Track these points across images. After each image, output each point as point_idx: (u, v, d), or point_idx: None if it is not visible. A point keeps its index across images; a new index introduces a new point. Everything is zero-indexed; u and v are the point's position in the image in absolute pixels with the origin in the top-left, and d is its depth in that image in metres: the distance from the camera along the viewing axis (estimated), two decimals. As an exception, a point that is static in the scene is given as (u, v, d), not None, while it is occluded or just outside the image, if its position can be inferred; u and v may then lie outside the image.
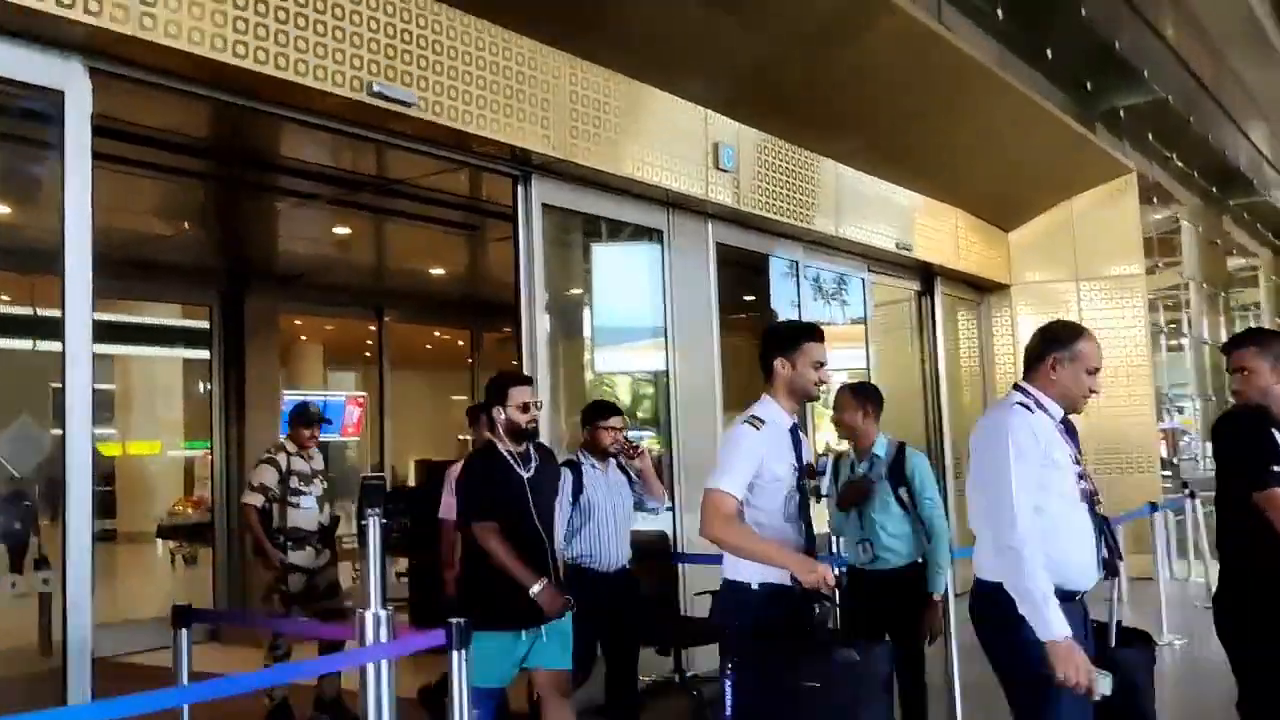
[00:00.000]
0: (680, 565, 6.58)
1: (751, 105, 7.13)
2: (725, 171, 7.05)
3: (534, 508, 4.24)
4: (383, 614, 3.15)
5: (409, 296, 11.45)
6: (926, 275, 10.15)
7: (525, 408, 4.27)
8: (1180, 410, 23.61)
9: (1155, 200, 17.96)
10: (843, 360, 10.03)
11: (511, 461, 4.26)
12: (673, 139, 6.63)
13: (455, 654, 3.18)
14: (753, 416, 3.42)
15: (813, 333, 3.59)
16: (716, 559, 6.29)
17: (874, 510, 4.75)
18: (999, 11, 11.14)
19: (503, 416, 4.25)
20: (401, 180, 7.09)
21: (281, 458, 6.25)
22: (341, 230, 8.68)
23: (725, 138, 7.07)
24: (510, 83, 5.46)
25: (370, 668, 3.12)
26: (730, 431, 3.53)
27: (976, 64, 7.81)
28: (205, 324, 9.75)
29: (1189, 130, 18.38)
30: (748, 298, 10.29)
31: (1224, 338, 24.88)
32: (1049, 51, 12.84)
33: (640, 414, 8.63)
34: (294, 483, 6.19)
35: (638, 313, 7.30)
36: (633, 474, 5.24)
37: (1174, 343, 22.96)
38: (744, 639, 3.36)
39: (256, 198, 7.81)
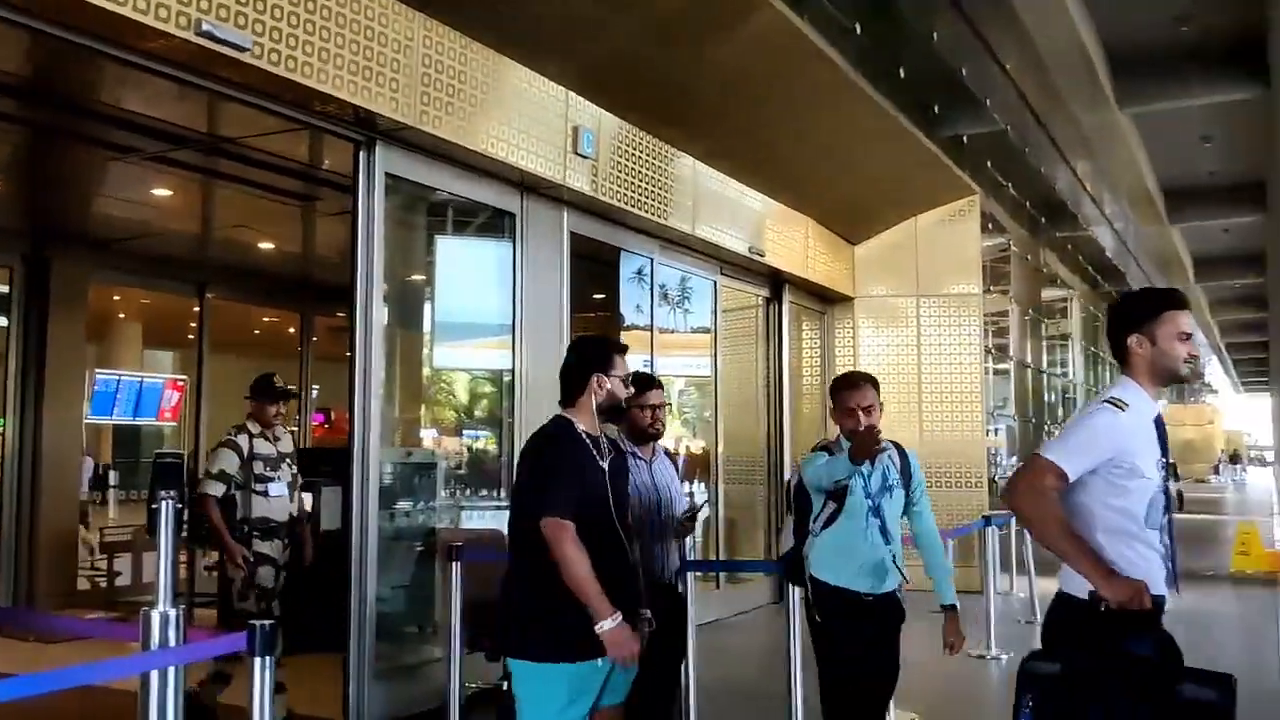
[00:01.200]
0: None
1: (614, 92, 6.87)
2: (584, 157, 6.77)
3: (614, 507, 3.38)
4: (171, 613, 2.67)
5: (236, 273, 10.71)
6: (776, 282, 10.12)
7: (627, 381, 3.53)
8: (997, 431, 24.72)
9: (989, 227, 18.67)
10: (689, 364, 9.93)
11: (590, 446, 3.40)
12: (531, 117, 6.30)
13: (258, 661, 2.74)
14: (1114, 397, 2.87)
15: (1172, 299, 2.98)
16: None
17: (892, 523, 4.07)
18: (856, 28, 11.25)
19: (605, 386, 3.41)
20: (233, 139, 6.53)
21: (243, 440, 5.55)
22: (163, 192, 7.98)
23: (586, 121, 6.79)
24: (358, 38, 5.04)
25: (154, 675, 2.62)
26: (1085, 410, 3.01)
27: (839, 70, 7.77)
28: (4, 288, 8.88)
29: (1023, 162, 19.19)
30: (597, 295, 10.06)
31: (1044, 363, 26.20)
32: (900, 72, 13.10)
33: (478, 413, 8.27)
34: (258, 468, 5.49)
35: (485, 304, 6.94)
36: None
37: (1000, 366, 23.97)
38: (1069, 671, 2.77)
39: (69, 148, 7.09)
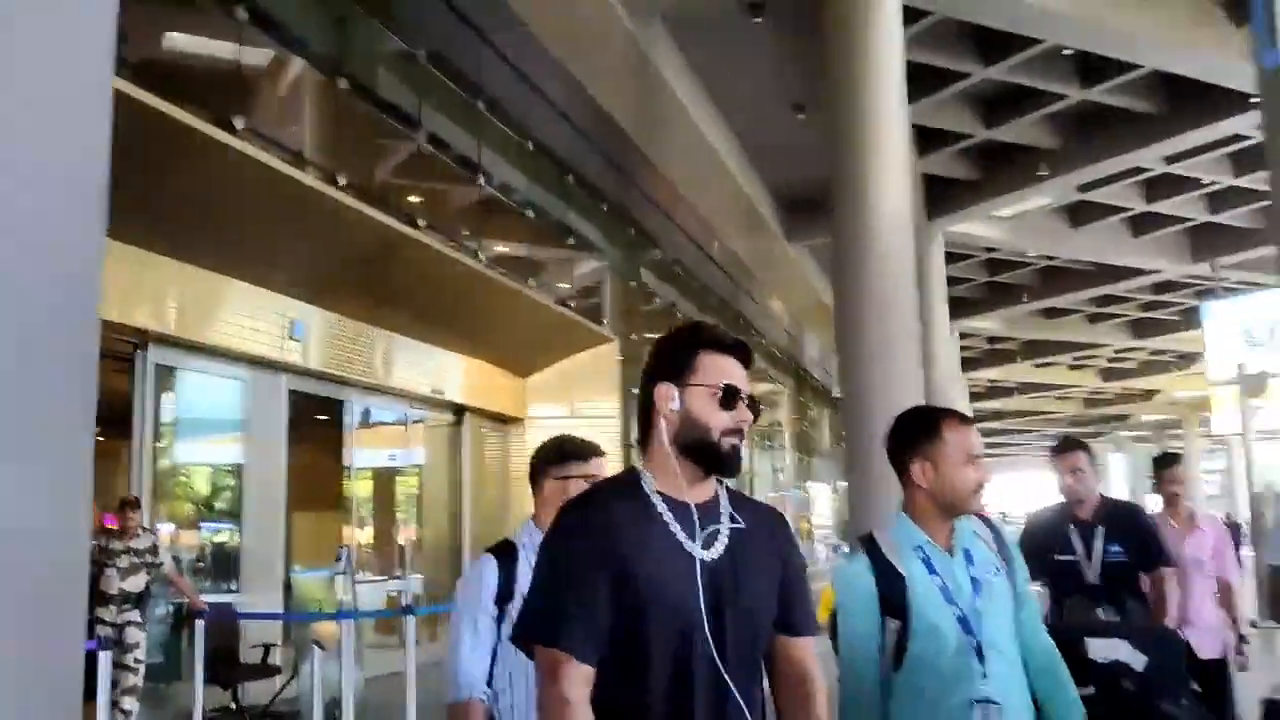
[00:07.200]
0: (239, 622, 9.05)
1: (323, 294, 9.91)
2: (297, 340, 9.77)
3: (712, 629, 2.00)
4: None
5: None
6: (458, 410, 13.31)
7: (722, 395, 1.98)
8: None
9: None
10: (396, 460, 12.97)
11: (664, 517, 1.98)
12: (255, 318, 9.26)
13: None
14: None
15: None
16: (270, 616, 8.83)
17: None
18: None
19: (673, 403, 1.97)
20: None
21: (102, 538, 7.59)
22: None
23: (299, 315, 9.79)
24: (130, 282, 7.86)
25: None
26: None
27: (475, 271, 11.17)
28: None
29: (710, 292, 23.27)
30: (321, 416, 12.96)
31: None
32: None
33: (220, 505, 10.91)
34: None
35: (226, 441, 9.81)
36: None
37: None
38: None
39: None
